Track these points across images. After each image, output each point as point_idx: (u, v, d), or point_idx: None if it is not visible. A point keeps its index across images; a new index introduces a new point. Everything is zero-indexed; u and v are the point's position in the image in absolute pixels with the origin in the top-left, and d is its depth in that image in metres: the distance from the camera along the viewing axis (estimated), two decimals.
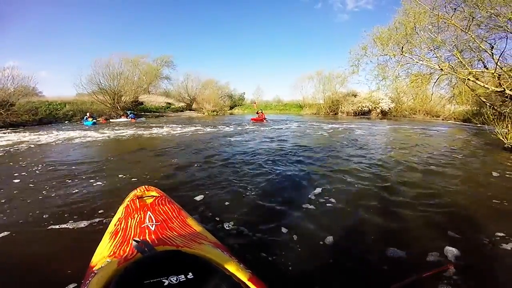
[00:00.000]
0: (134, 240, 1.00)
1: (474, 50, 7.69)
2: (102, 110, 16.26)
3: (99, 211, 2.24)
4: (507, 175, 3.72)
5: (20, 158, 4.67)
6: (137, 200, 1.58)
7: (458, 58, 7.67)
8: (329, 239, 1.82)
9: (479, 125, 11.93)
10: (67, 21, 50.54)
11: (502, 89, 7.08)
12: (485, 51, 7.14)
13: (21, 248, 1.75)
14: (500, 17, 5.68)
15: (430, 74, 9.31)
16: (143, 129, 10.08)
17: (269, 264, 1.54)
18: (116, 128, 10.45)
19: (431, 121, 18.68)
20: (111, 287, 0.72)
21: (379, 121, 17.54)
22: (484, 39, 6.89)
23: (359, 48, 9.21)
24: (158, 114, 20.45)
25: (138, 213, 1.40)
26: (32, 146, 6.06)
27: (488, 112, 7.60)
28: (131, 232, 1.22)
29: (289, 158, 4.55)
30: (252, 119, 14.37)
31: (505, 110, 7.40)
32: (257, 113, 15.37)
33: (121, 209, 1.55)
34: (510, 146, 6.10)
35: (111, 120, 15.11)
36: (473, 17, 6.21)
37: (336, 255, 1.65)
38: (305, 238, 1.84)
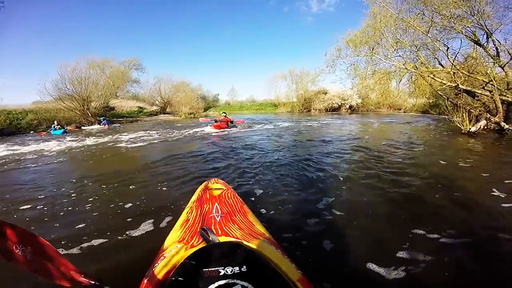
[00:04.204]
0: (202, 229, 1.06)
1: (431, 49, 8.84)
2: (71, 118, 15.23)
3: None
4: (469, 151, 4.55)
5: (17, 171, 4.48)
6: (207, 191, 1.71)
7: (420, 58, 8.74)
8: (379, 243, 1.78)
9: (436, 115, 13.61)
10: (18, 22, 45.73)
11: (456, 84, 8.23)
12: (441, 51, 8.26)
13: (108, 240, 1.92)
14: (456, 22, 6.67)
15: (395, 71, 10.40)
16: (124, 135, 9.70)
17: (319, 265, 1.57)
18: (93, 136, 9.83)
19: (394, 113, 20.51)
20: (174, 272, 0.78)
21: (349, 116, 18.80)
22: (440, 40, 7.96)
23: (334, 50, 9.97)
24: (132, 119, 19.61)
25: (207, 204, 1.52)
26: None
27: (446, 103, 8.80)
28: (199, 221, 1.33)
29: (285, 154, 4.95)
30: (214, 127, 9.82)
31: (459, 102, 8.62)
32: (217, 119, 10.29)
33: (193, 199, 1.69)
34: (466, 131, 7.21)
35: (83, 128, 14.23)
36: (432, 21, 7.18)
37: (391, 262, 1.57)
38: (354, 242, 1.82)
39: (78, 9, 52.61)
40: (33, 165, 4.86)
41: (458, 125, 7.61)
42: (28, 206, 2.68)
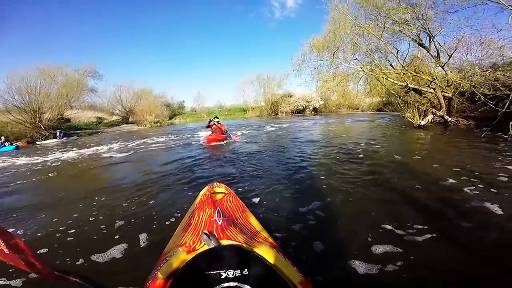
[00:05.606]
0: (204, 233, 1.05)
1: (383, 52, 9.88)
2: (21, 132, 13.71)
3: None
4: (422, 142, 5.26)
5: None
6: (209, 195, 1.69)
7: (374, 61, 9.72)
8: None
9: (390, 112, 15.09)
10: None
11: (406, 84, 9.31)
12: (392, 54, 9.31)
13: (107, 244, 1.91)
14: (404, 27, 7.61)
15: (353, 73, 11.38)
16: (88, 149, 9.03)
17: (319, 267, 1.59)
18: (51, 151, 8.93)
19: (353, 113, 22.19)
20: (176, 275, 0.79)
21: (314, 117, 19.76)
22: (391, 43, 8.98)
23: (299, 54, 10.58)
24: (91, 131, 18.26)
25: (209, 207, 1.48)
26: None
27: (398, 101, 9.90)
28: (201, 224, 1.32)
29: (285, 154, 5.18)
30: (208, 140, 7.09)
31: (409, 99, 9.76)
32: (208, 125, 8.03)
33: (195, 203, 1.69)
34: (417, 125, 8.20)
35: (37, 142, 12.88)
36: (385, 26, 8.09)
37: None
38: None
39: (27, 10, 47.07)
40: None
41: (410, 119, 8.63)
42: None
